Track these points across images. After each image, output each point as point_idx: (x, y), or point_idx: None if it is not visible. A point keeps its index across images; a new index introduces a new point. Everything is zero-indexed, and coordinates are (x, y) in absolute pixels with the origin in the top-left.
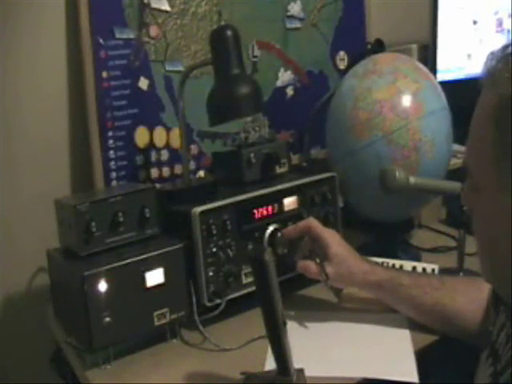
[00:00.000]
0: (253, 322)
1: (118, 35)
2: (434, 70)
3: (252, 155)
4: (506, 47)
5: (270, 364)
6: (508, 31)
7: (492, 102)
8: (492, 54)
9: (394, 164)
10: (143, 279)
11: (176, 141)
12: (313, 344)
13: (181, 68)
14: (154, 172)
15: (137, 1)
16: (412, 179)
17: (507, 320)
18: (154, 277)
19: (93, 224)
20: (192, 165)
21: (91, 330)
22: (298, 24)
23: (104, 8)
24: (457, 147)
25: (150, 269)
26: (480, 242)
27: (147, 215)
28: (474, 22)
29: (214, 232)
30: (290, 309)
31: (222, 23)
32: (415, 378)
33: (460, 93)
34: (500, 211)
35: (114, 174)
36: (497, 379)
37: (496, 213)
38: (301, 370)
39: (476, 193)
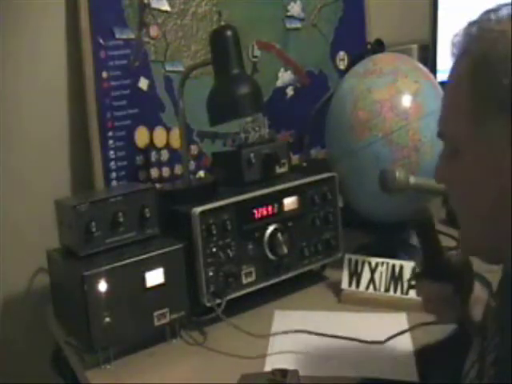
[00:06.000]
0: (253, 322)
1: (117, 35)
2: (434, 70)
3: (252, 155)
4: (471, 23)
5: (270, 364)
6: None
7: (465, 66)
8: (455, 35)
9: (394, 164)
10: (143, 279)
11: (176, 141)
12: (313, 344)
13: (181, 68)
14: (154, 172)
15: (137, 1)
16: (412, 179)
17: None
18: (154, 277)
19: (93, 224)
20: (192, 165)
21: (91, 330)
22: (298, 24)
23: (104, 8)
24: None
25: (150, 269)
26: (463, 208)
27: (147, 215)
28: None
29: (214, 232)
30: (290, 309)
31: (222, 23)
32: (415, 378)
33: None
34: (484, 164)
35: (114, 174)
36: (483, 355)
37: (480, 168)
38: (295, 371)
39: (455, 158)
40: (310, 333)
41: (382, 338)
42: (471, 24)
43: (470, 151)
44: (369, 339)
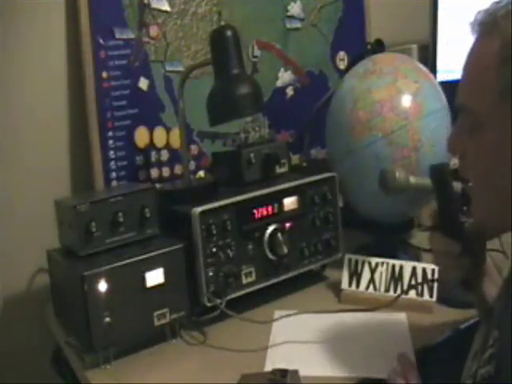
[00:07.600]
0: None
1: (118, 35)
2: (434, 70)
3: (252, 155)
4: (496, 2)
5: (270, 364)
6: None
7: (495, 45)
8: (479, 12)
9: (394, 164)
10: (143, 279)
11: (176, 141)
12: (313, 344)
13: (181, 68)
14: (154, 172)
15: (137, 1)
16: (412, 179)
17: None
18: (154, 277)
19: (93, 224)
20: (192, 165)
21: (91, 330)
22: (298, 24)
23: (104, 8)
24: None
25: (150, 269)
26: (478, 178)
27: (147, 215)
28: None
29: (214, 232)
30: (290, 309)
31: (222, 23)
32: None
33: None
34: (505, 140)
35: (114, 174)
36: (488, 335)
37: (502, 143)
38: (295, 371)
39: (476, 132)
40: (310, 312)
41: (382, 338)
42: (497, 3)
43: (494, 127)
44: (369, 339)
